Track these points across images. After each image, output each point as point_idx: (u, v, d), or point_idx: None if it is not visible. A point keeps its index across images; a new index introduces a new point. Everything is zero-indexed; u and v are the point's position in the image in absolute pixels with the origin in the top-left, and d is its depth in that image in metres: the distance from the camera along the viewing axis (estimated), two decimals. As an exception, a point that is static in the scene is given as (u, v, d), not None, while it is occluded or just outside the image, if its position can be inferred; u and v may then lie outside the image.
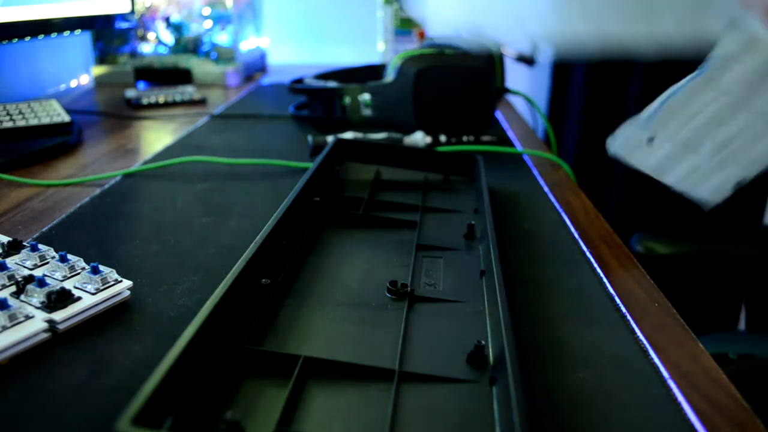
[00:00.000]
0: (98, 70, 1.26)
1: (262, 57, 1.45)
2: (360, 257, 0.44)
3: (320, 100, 0.83)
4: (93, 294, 0.36)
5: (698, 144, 0.43)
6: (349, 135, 0.73)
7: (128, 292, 0.37)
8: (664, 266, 0.78)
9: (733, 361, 0.66)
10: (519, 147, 0.80)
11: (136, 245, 0.46)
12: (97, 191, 0.58)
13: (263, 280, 0.37)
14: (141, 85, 1.22)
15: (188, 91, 1.06)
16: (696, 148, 0.43)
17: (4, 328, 0.32)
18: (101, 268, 0.37)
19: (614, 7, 0.42)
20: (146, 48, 1.25)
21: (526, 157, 0.73)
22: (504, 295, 0.34)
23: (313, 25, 1.60)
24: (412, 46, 1.36)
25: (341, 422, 0.28)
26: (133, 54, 1.26)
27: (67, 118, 0.78)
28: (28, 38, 0.78)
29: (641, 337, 0.36)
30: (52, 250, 0.40)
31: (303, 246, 0.44)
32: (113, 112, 0.97)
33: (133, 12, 0.98)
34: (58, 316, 0.33)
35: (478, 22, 0.47)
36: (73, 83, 1.15)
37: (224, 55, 1.26)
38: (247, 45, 1.34)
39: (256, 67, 1.40)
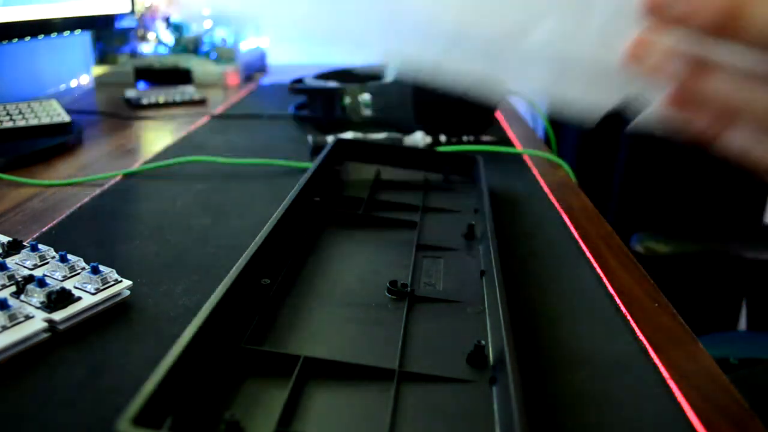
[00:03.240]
0: (98, 70, 1.26)
1: (262, 57, 1.45)
2: (360, 257, 0.44)
3: (320, 100, 0.83)
4: (93, 294, 0.36)
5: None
6: (349, 135, 0.73)
7: (128, 292, 0.37)
8: (664, 266, 0.78)
9: (734, 367, 0.66)
10: (519, 147, 0.80)
11: (136, 245, 0.46)
12: (97, 191, 0.58)
13: (263, 280, 0.37)
14: (141, 85, 1.22)
15: (188, 91, 1.06)
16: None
17: (4, 328, 0.32)
18: (101, 268, 0.37)
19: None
20: (146, 48, 1.25)
21: (526, 157, 0.73)
22: (504, 295, 0.34)
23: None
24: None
25: (341, 422, 0.28)
26: (133, 54, 1.26)
27: (67, 118, 0.78)
28: (28, 38, 0.78)
29: (641, 337, 0.36)
30: (52, 250, 0.40)
31: (303, 246, 0.44)
32: (113, 112, 0.97)
33: (133, 12, 0.98)
34: (58, 316, 0.33)
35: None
36: (73, 83, 1.15)
37: (224, 55, 1.26)
38: (247, 45, 1.34)
39: (256, 67, 1.40)
